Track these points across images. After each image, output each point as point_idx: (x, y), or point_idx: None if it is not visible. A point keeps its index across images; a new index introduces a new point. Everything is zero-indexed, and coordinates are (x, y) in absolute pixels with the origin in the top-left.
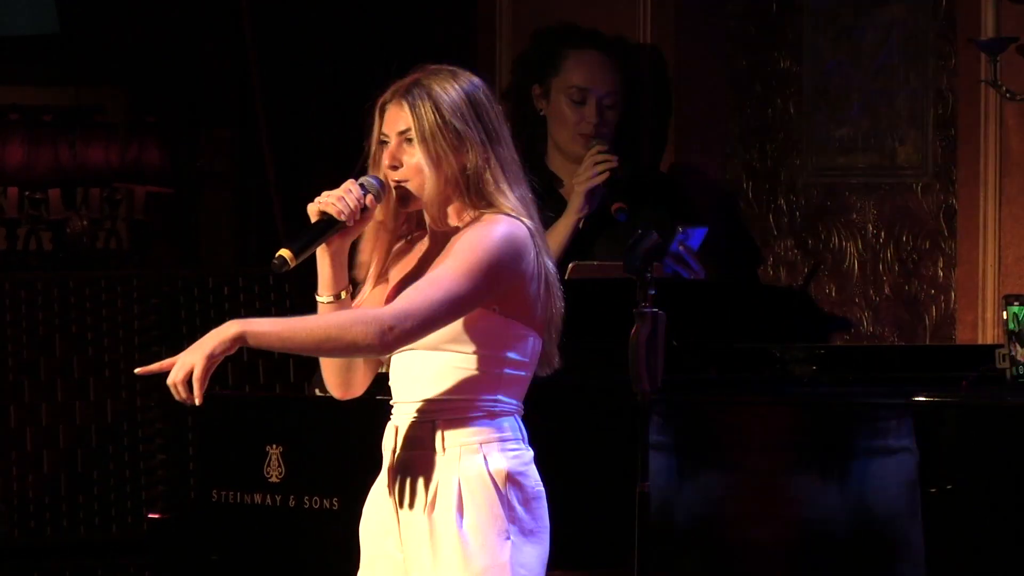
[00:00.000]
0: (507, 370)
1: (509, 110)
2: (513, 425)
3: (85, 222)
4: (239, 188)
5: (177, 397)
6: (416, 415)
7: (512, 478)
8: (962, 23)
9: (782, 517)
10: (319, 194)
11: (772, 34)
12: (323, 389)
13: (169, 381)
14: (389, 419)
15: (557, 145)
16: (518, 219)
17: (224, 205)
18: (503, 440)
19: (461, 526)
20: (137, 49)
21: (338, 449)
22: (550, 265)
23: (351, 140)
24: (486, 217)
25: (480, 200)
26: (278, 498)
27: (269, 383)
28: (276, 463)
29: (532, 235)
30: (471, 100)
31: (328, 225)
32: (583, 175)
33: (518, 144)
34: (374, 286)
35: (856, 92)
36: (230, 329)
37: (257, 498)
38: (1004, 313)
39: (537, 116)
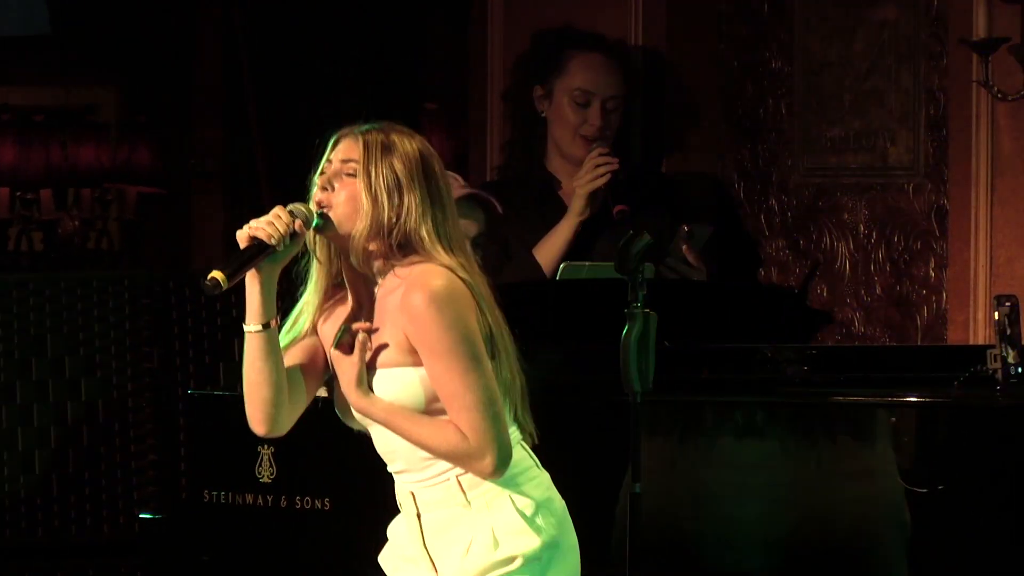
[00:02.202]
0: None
1: (506, 111)
2: (522, 454)
3: (76, 222)
4: (230, 188)
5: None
6: (430, 479)
7: (541, 507)
8: (953, 23)
9: (773, 517)
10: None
11: (763, 34)
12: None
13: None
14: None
15: (557, 146)
16: (450, 271)
17: (215, 205)
18: (521, 474)
19: (501, 558)
20: (128, 49)
21: (329, 450)
22: (494, 321)
23: None
24: (411, 279)
25: (403, 250)
26: (270, 498)
27: None
28: (268, 463)
29: (469, 288)
30: (423, 159)
31: (258, 250)
32: (584, 178)
33: (515, 148)
34: (302, 335)
35: (847, 92)
36: (355, 381)
37: (249, 498)
38: (996, 313)
39: (536, 117)
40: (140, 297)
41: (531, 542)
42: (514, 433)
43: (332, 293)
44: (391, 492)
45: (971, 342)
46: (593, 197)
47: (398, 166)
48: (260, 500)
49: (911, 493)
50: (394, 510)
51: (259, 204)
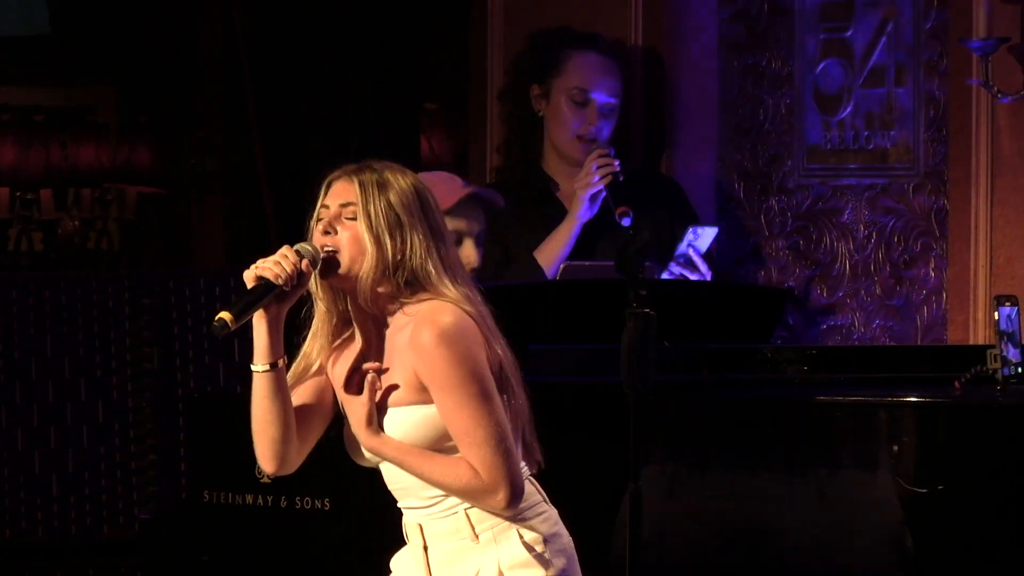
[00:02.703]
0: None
1: (503, 111)
2: (531, 490)
3: (76, 222)
4: (230, 188)
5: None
6: (438, 512)
7: (548, 541)
8: (953, 23)
9: (773, 516)
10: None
11: (763, 35)
12: None
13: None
14: (402, 516)
15: (555, 147)
16: (458, 307)
17: (215, 205)
18: (530, 508)
19: None
20: (128, 49)
21: (329, 450)
22: (502, 351)
23: (343, 140)
24: (420, 316)
25: (411, 287)
26: (270, 499)
27: None
28: None
29: (477, 323)
30: (418, 193)
31: (266, 290)
32: (584, 180)
33: (512, 149)
34: (303, 377)
35: (847, 93)
36: (369, 431)
37: (249, 499)
38: (996, 313)
39: (533, 118)
40: (140, 297)
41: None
42: (525, 468)
43: (339, 333)
44: (390, 493)
45: (971, 342)
46: (593, 199)
47: (396, 203)
48: (260, 500)
49: (911, 493)
50: (393, 511)
51: (259, 204)
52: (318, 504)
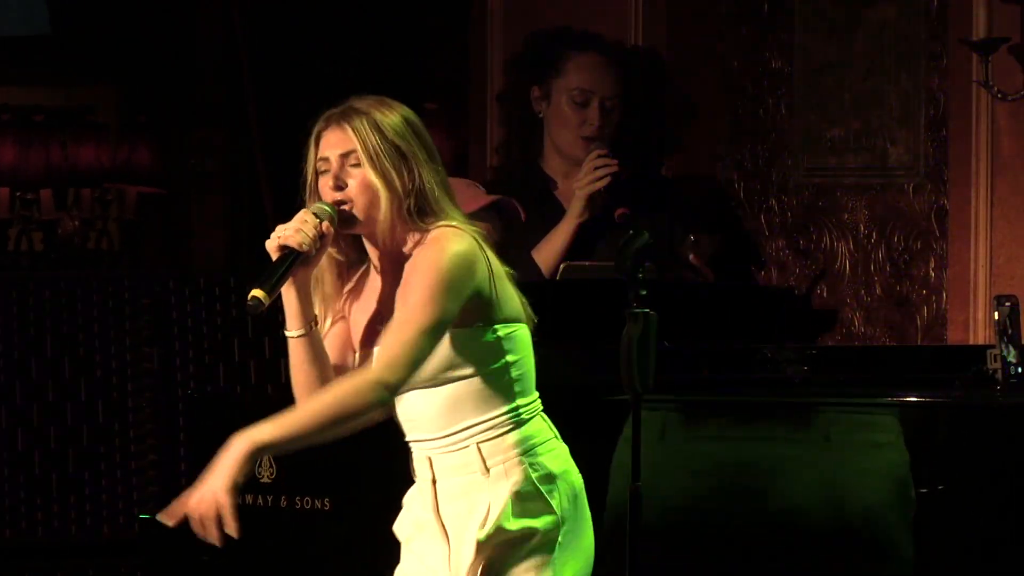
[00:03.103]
0: (513, 374)
1: (502, 111)
2: (542, 425)
3: (76, 222)
4: (230, 188)
5: (205, 534)
6: (448, 444)
7: (559, 478)
8: (954, 23)
9: (773, 517)
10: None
11: (764, 34)
12: None
13: (196, 525)
14: (410, 450)
15: (556, 147)
16: (460, 228)
17: (215, 205)
18: (540, 443)
19: (516, 535)
20: (128, 49)
21: (329, 450)
22: (498, 260)
23: None
24: (430, 236)
25: (424, 216)
26: (269, 498)
27: (260, 383)
28: (268, 463)
29: (476, 240)
30: (408, 121)
31: (292, 258)
32: (583, 180)
33: (511, 149)
34: (333, 322)
35: (847, 92)
36: (240, 448)
37: (248, 499)
38: (996, 313)
39: (533, 118)
40: (140, 297)
41: (547, 516)
42: (537, 403)
43: (347, 277)
44: (391, 492)
45: (971, 342)
46: (592, 199)
47: (394, 137)
48: (260, 500)
49: (911, 493)
50: (394, 511)
51: (259, 204)
52: (318, 504)
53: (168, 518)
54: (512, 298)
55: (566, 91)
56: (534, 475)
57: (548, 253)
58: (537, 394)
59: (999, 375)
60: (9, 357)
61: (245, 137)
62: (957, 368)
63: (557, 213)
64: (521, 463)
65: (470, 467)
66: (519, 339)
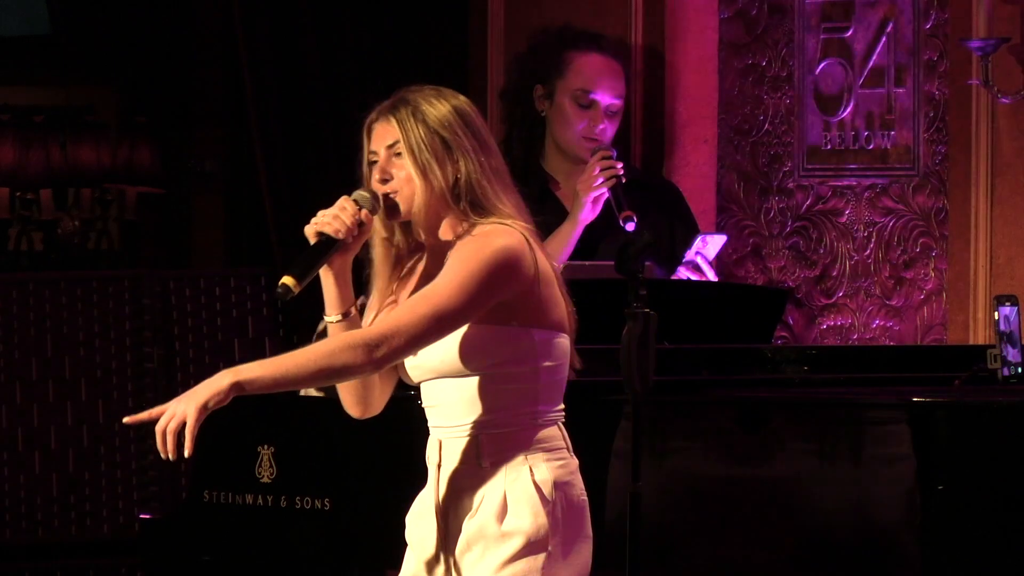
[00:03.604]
0: (543, 378)
1: (504, 110)
2: (556, 434)
3: (76, 223)
4: (230, 188)
5: (162, 450)
6: (457, 432)
7: (559, 487)
8: (953, 23)
9: (773, 517)
10: (315, 209)
11: (763, 35)
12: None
13: (158, 429)
14: (428, 432)
15: (558, 147)
16: (511, 226)
17: (215, 205)
18: (548, 450)
19: (503, 532)
20: (128, 50)
21: (330, 449)
22: (550, 264)
23: (343, 140)
24: (479, 229)
25: (475, 209)
26: (270, 499)
27: None
28: (268, 463)
29: (527, 239)
30: (458, 112)
31: (328, 246)
32: (587, 181)
33: (513, 146)
34: (381, 307)
35: (847, 93)
36: (224, 380)
37: (249, 499)
38: (996, 314)
39: (535, 117)
40: (140, 297)
41: (538, 521)
42: (559, 413)
43: (402, 266)
44: (391, 492)
45: (971, 342)
46: (595, 201)
47: (439, 129)
48: (260, 500)
49: (911, 493)
50: (394, 510)
51: (259, 204)
52: (318, 504)
53: (133, 420)
54: (558, 305)
55: (569, 91)
56: (534, 477)
57: (551, 254)
58: (563, 405)
59: (999, 375)
60: (9, 357)
61: (245, 137)
62: (957, 368)
63: (558, 212)
64: (524, 463)
65: (473, 456)
66: (556, 347)
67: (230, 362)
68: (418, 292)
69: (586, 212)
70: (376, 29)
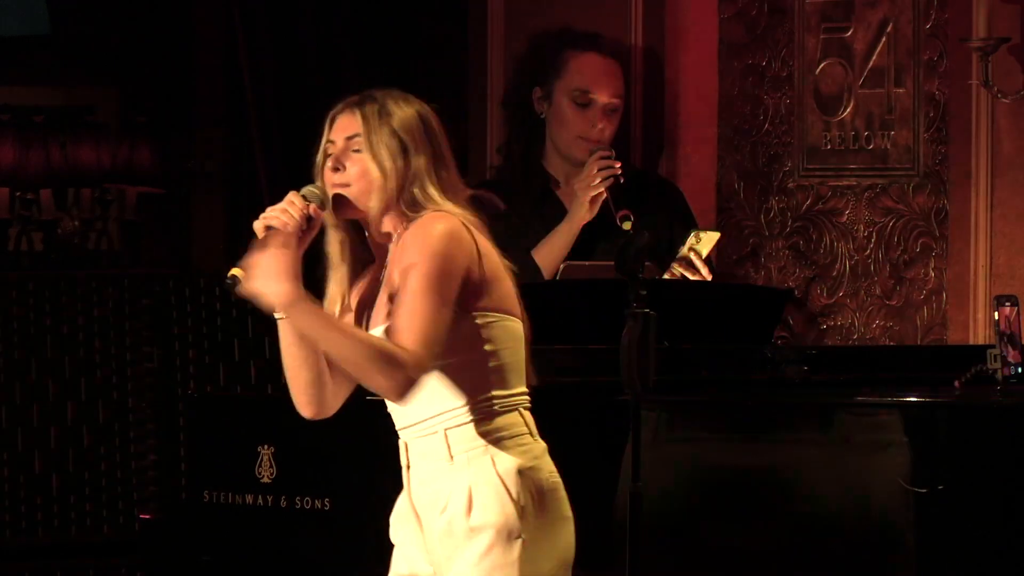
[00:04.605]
0: (490, 364)
1: (506, 112)
2: (517, 420)
3: (76, 222)
4: (230, 188)
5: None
6: (420, 430)
7: (523, 473)
8: (953, 23)
9: (773, 518)
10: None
11: (763, 35)
12: None
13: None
14: (395, 435)
15: (557, 148)
16: (444, 213)
17: (215, 205)
18: (509, 437)
19: (472, 529)
20: (128, 50)
21: (330, 449)
22: (491, 246)
23: None
24: (417, 221)
25: (417, 209)
26: (270, 499)
27: (260, 383)
28: (268, 463)
29: (464, 224)
30: (421, 117)
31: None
32: (585, 181)
33: (513, 148)
34: (344, 300)
35: (847, 93)
36: (292, 288)
37: (249, 499)
38: (996, 313)
39: (535, 118)
40: (140, 297)
41: (505, 511)
42: (518, 397)
43: (359, 266)
44: (391, 492)
45: (971, 342)
46: (594, 201)
47: (400, 131)
48: (260, 500)
49: (911, 493)
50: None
51: (258, 205)
52: (318, 504)
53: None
54: (508, 292)
55: (567, 92)
56: (497, 468)
57: (548, 254)
58: (522, 389)
59: (999, 375)
60: (9, 356)
61: (245, 138)
62: (957, 368)
63: (559, 213)
64: (485, 454)
65: (437, 454)
66: (503, 329)
67: (230, 362)
68: (402, 311)
69: (584, 212)
70: (376, 30)
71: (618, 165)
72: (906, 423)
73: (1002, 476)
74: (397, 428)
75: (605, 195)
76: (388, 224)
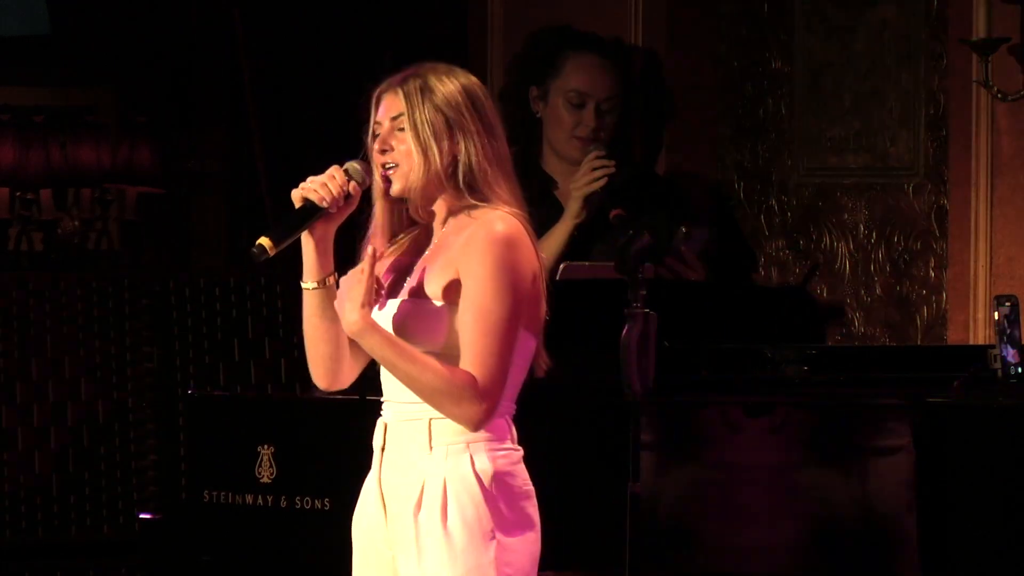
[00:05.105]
0: None
1: (503, 111)
2: (502, 425)
3: (76, 223)
4: (230, 188)
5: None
6: (406, 413)
7: (499, 478)
8: (953, 23)
9: (773, 518)
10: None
11: (764, 34)
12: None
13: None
14: (379, 415)
15: (553, 148)
16: (510, 215)
17: (215, 206)
18: (490, 440)
19: (446, 526)
20: (127, 50)
21: (329, 449)
22: (541, 259)
23: (343, 140)
24: (481, 220)
25: (471, 191)
26: (270, 498)
27: (261, 384)
28: (268, 463)
29: (526, 228)
30: (467, 92)
31: (310, 212)
32: (581, 181)
33: (513, 146)
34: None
35: (848, 92)
36: (364, 316)
37: (249, 499)
38: (996, 313)
39: (532, 118)
40: (140, 297)
41: (479, 512)
42: (510, 406)
43: (393, 238)
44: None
45: (971, 342)
46: (589, 200)
47: (444, 107)
48: (260, 500)
49: (911, 493)
50: None
51: (259, 205)
52: (318, 504)
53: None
54: (542, 312)
55: (563, 92)
56: (475, 466)
57: (545, 253)
58: (513, 400)
59: (999, 375)
60: (9, 357)
61: (245, 137)
62: (957, 368)
63: (556, 213)
64: (465, 451)
65: (416, 441)
66: (521, 349)
67: (230, 362)
68: (473, 327)
69: (578, 212)
70: (376, 30)
71: (613, 164)
72: (906, 423)
73: (1002, 476)
74: (384, 399)
75: (600, 195)
76: (441, 204)
